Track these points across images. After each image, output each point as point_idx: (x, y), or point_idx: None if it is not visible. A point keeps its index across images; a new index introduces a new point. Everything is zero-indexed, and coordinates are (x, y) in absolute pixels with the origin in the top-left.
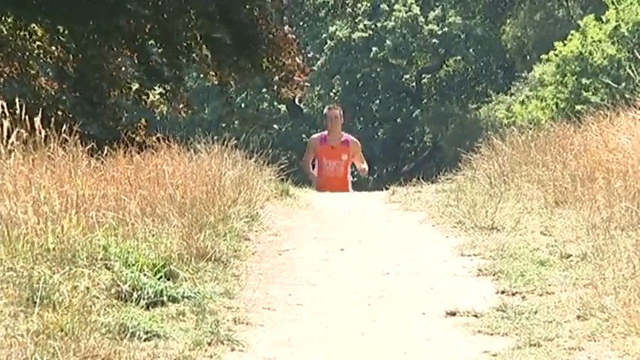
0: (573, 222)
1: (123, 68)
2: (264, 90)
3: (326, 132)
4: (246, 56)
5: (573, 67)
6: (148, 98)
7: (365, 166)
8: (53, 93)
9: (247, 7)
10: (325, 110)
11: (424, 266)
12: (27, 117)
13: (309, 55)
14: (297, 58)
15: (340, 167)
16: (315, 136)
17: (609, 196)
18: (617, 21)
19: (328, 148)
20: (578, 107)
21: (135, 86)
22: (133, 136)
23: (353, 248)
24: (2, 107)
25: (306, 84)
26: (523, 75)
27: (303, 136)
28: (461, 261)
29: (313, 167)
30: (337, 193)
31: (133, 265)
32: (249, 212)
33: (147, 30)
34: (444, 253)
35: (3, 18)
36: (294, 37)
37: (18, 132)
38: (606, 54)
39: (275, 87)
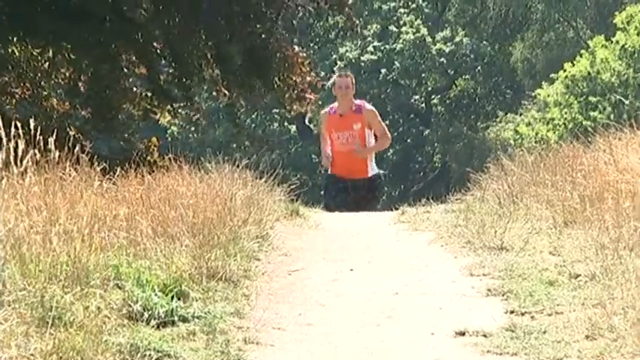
0: (582, 242)
1: (134, 88)
2: (274, 110)
3: (336, 103)
4: (257, 75)
5: (581, 87)
6: (159, 116)
7: (387, 137)
8: (64, 113)
9: (258, 27)
10: (334, 77)
11: (433, 286)
12: (40, 137)
13: (319, 77)
14: (308, 76)
15: (353, 139)
16: (324, 110)
17: (618, 217)
18: (625, 42)
19: (337, 118)
20: (585, 123)
21: (146, 104)
22: (145, 155)
23: (362, 268)
24: (17, 128)
25: (318, 101)
26: (532, 95)
27: (313, 156)
28: (470, 281)
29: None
30: (346, 214)
31: (145, 284)
32: (260, 232)
33: (158, 49)
34: (452, 273)
35: (14, 40)
36: (304, 54)
37: (32, 153)
38: (615, 71)
39: (286, 104)
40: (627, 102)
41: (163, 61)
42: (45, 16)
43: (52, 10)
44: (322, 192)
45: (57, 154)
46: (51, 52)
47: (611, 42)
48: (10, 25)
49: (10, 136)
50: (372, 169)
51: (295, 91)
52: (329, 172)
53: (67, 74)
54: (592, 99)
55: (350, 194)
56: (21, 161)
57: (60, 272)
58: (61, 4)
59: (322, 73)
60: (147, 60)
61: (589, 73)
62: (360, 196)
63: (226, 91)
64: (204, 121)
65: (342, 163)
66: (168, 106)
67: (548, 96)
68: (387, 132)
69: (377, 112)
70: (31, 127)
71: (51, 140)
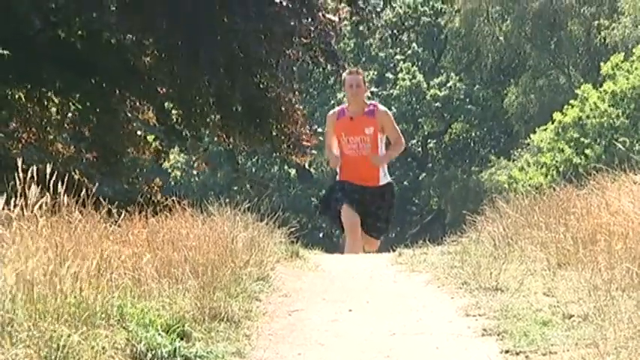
0: (575, 283)
1: (139, 132)
2: (274, 154)
3: (346, 104)
4: (256, 124)
5: (572, 132)
6: (166, 157)
7: (402, 142)
8: (70, 157)
9: (258, 76)
10: (344, 75)
11: (430, 326)
12: (47, 181)
13: (316, 125)
14: (304, 128)
15: (364, 144)
16: (332, 111)
17: (610, 258)
18: (614, 88)
19: (347, 121)
20: (576, 161)
21: (151, 146)
22: (149, 196)
23: (361, 309)
24: (25, 172)
25: (313, 151)
26: (526, 142)
27: (313, 199)
28: (466, 321)
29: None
30: (352, 258)
31: (148, 325)
32: (261, 274)
33: (163, 94)
34: (449, 313)
35: (21, 86)
36: (301, 107)
37: (42, 197)
38: (604, 113)
39: (283, 153)
40: (619, 145)
41: (169, 105)
42: (51, 66)
43: (59, 59)
44: (322, 199)
45: (64, 197)
46: (57, 99)
47: (600, 91)
48: (18, 74)
49: (19, 179)
50: (385, 177)
51: (291, 140)
52: (337, 178)
53: (73, 119)
54: (583, 140)
55: (360, 203)
56: (32, 205)
57: (67, 312)
58: (67, 54)
59: (320, 118)
60: (154, 104)
61: (579, 119)
62: (371, 208)
63: (226, 137)
64: (207, 165)
65: (351, 169)
66: (177, 147)
67: (542, 141)
68: (402, 137)
69: (391, 115)
70: (36, 171)
71: (59, 185)
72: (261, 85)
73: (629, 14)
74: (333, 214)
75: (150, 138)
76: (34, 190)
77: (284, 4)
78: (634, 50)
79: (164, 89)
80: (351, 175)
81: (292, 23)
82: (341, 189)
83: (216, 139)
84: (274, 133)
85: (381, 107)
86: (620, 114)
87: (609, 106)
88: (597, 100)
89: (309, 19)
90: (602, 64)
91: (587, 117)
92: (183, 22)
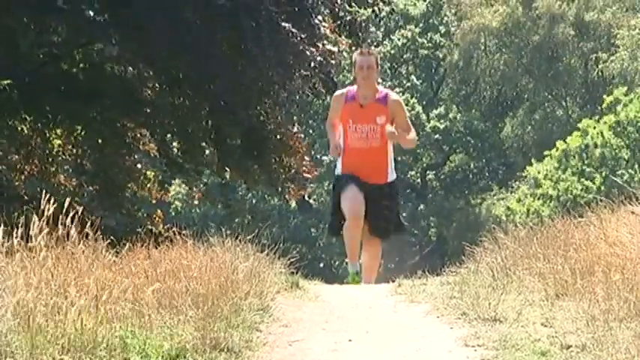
0: (573, 314)
1: (139, 165)
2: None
3: (355, 87)
4: (254, 158)
5: (574, 162)
6: (166, 190)
7: (412, 135)
8: (71, 189)
9: (258, 107)
10: (355, 55)
11: (429, 357)
12: (50, 213)
13: (318, 156)
14: (304, 158)
15: (374, 134)
16: (340, 91)
17: (608, 289)
18: (615, 120)
19: (356, 107)
20: (576, 192)
21: (151, 180)
22: (150, 228)
23: (361, 339)
24: (29, 204)
25: (310, 185)
26: (523, 174)
27: (312, 229)
28: (465, 351)
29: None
30: (345, 288)
31: (150, 355)
32: (261, 304)
33: (164, 124)
34: (448, 343)
35: (24, 118)
36: (301, 136)
37: (46, 230)
38: (608, 143)
39: (280, 188)
40: (617, 177)
41: (170, 137)
42: (54, 98)
43: (62, 91)
44: (332, 193)
45: (67, 229)
46: (60, 131)
47: (602, 122)
48: (21, 106)
49: (20, 211)
50: (392, 173)
51: (291, 172)
52: (338, 172)
53: (75, 151)
54: (586, 169)
55: (365, 198)
56: (35, 236)
57: (68, 343)
58: (69, 86)
59: (320, 149)
60: (154, 136)
61: (585, 146)
62: (377, 207)
63: (223, 171)
64: (202, 196)
65: (356, 162)
66: (177, 180)
67: (539, 172)
68: (412, 128)
69: (404, 104)
70: (42, 203)
71: (61, 216)
72: (261, 117)
73: (626, 48)
74: (336, 223)
75: (150, 174)
76: (36, 222)
77: (292, 31)
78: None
79: (165, 121)
80: (356, 170)
81: (301, 49)
82: (346, 178)
83: (215, 171)
84: (274, 166)
85: (394, 95)
86: (624, 145)
87: (614, 135)
88: (604, 128)
89: (313, 48)
90: (605, 96)
91: (588, 146)
92: (184, 54)
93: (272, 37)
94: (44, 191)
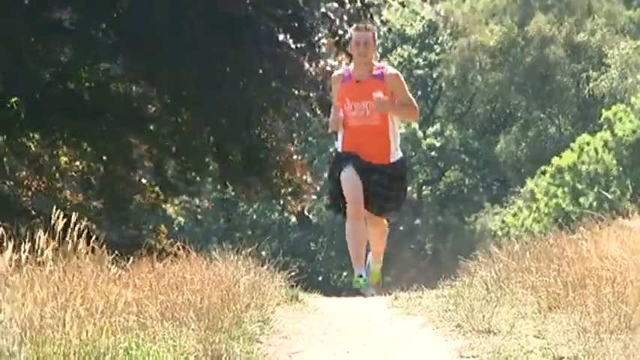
0: (565, 326)
1: (143, 180)
2: (274, 201)
3: (352, 65)
4: (256, 174)
5: (568, 178)
6: (166, 206)
7: (414, 107)
8: (78, 204)
9: (259, 128)
10: (351, 31)
11: None
12: (56, 227)
13: (315, 172)
14: (304, 175)
15: (372, 112)
16: (338, 71)
17: (599, 302)
18: (611, 137)
19: (352, 84)
20: (569, 209)
21: (156, 195)
22: (154, 243)
23: (358, 351)
24: (36, 219)
25: (312, 197)
26: (517, 190)
27: (312, 244)
28: None
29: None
30: (343, 299)
31: None
32: (261, 316)
33: (166, 144)
34: (443, 355)
35: (32, 136)
36: (299, 157)
37: (53, 244)
38: (600, 160)
39: (282, 202)
40: (610, 195)
41: (170, 156)
42: (61, 116)
43: (68, 110)
44: (329, 174)
45: (73, 243)
46: (66, 148)
47: (597, 138)
48: (29, 124)
49: (28, 225)
50: (396, 152)
51: (291, 188)
52: (338, 148)
53: (81, 167)
54: (579, 186)
55: (366, 179)
56: (41, 250)
57: (73, 354)
58: (76, 105)
59: (319, 165)
60: (155, 154)
61: (575, 164)
62: (379, 187)
63: (226, 186)
64: (205, 213)
65: (356, 142)
66: (175, 200)
67: (537, 185)
68: (415, 102)
69: (402, 78)
70: (49, 217)
71: (67, 230)
72: (261, 136)
73: (616, 67)
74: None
75: (154, 187)
76: (42, 236)
77: (292, 46)
78: (632, 100)
79: (166, 141)
80: (356, 150)
81: (300, 63)
82: (346, 157)
83: (218, 187)
84: (274, 181)
85: (391, 69)
86: (615, 162)
87: (608, 152)
88: (597, 144)
89: (312, 64)
90: (603, 110)
91: (583, 163)
92: (186, 72)
93: (272, 51)
94: (52, 206)
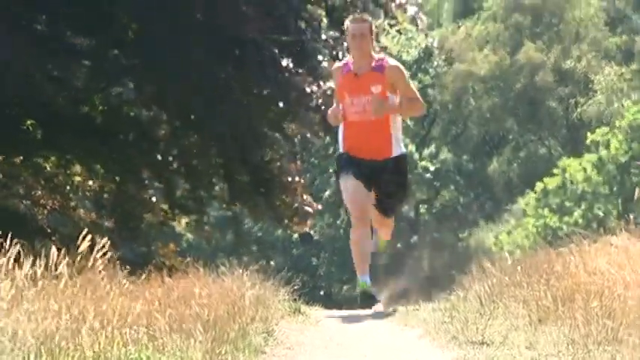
0: (555, 338)
1: (153, 198)
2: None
3: (351, 57)
4: (261, 194)
5: (555, 199)
6: (176, 224)
7: (420, 101)
8: (91, 222)
9: (263, 149)
10: (347, 22)
11: None
12: (71, 245)
13: (317, 194)
14: (304, 196)
15: (371, 107)
16: (338, 64)
17: (587, 315)
18: (597, 158)
19: (351, 78)
20: (556, 226)
21: (165, 214)
22: (164, 260)
23: None
24: (51, 236)
25: (311, 220)
26: (508, 207)
27: (314, 259)
28: None
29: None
30: (344, 312)
31: None
32: (266, 328)
33: (174, 165)
34: None
35: (47, 157)
36: (301, 178)
37: (67, 260)
38: (587, 178)
39: (285, 221)
40: (598, 211)
41: (179, 176)
42: (75, 138)
43: (81, 132)
44: (335, 173)
45: (87, 259)
46: (80, 167)
47: (582, 158)
48: (44, 144)
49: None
50: (399, 147)
51: (292, 210)
52: (340, 149)
53: (94, 187)
54: (567, 204)
55: (369, 179)
56: (56, 265)
57: None
58: (89, 128)
59: (321, 186)
60: (164, 176)
61: (562, 184)
62: (381, 185)
63: (233, 206)
64: (211, 232)
65: (357, 138)
66: (184, 219)
67: (527, 205)
68: (418, 95)
69: (404, 70)
70: (60, 234)
71: (81, 247)
72: (265, 157)
73: (602, 92)
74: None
75: (164, 207)
76: (55, 252)
77: (293, 70)
78: (617, 124)
79: (177, 160)
80: (357, 147)
81: (303, 86)
82: (347, 158)
83: (224, 206)
84: (278, 203)
85: (392, 61)
86: (602, 181)
87: (597, 172)
88: (586, 164)
89: (314, 87)
90: (589, 133)
91: (571, 182)
92: (194, 96)
93: (275, 74)
94: (66, 224)
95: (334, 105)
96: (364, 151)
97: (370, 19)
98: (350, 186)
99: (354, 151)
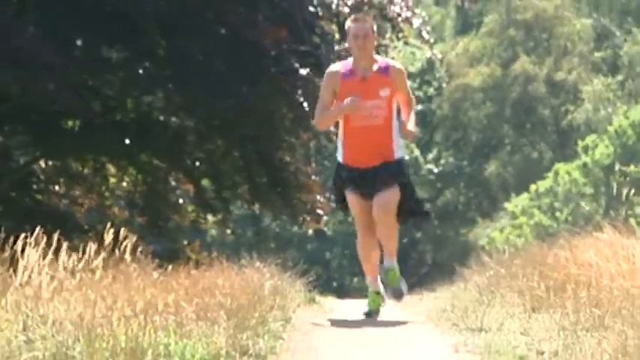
0: (547, 324)
1: (181, 200)
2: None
3: (350, 60)
4: (278, 194)
5: (546, 200)
6: (203, 223)
7: (414, 102)
8: (124, 219)
9: (280, 152)
10: (348, 22)
11: (425, 359)
12: (106, 240)
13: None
14: (319, 196)
15: (379, 110)
16: (334, 67)
17: (576, 304)
18: (585, 163)
19: (356, 81)
20: (547, 223)
21: (190, 213)
22: (190, 254)
23: (368, 344)
24: (88, 232)
25: (325, 217)
26: (504, 206)
27: (327, 253)
28: (456, 357)
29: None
30: (354, 301)
31: (189, 359)
32: (284, 316)
33: (201, 169)
34: (441, 349)
35: (84, 160)
36: (317, 178)
37: (103, 254)
38: (574, 181)
39: (301, 219)
40: (586, 208)
41: (207, 177)
42: (109, 143)
43: (115, 138)
44: (332, 189)
45: (121, 254)
46: (114, 170)
47: (572, 165)
48: (81, 147)
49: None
50: (400, 149)
51: (307, 208)
52: (340, 159)
53: (127, 188)
54: (556, 204)
55: (371, 186)
56: (92, 259)
57: (120, 350)
58: (122, 131)
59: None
60: (192, 179)
61: (552, 187)
62: (380, 176)
63: (253, 204)
64: (234, 229)
65: (359, 144)
66: (211, 217)
67: (516, 206)
68: (413, 96)
69: (405, 74)
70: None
71: (116, 243)
72: (283, 160)
73: (589, 101)
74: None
75: (189, 208)
76: (92, 247)
77: (310, 79)
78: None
79: (204, 162)
80: (360, 155)
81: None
82: (346, 178)
83: (245, 205)
84: (294, 202)
85: (396, 63)
86: (587, 182)
87: (584, 175)
88: (571, 169)
89: None
90: (579, 140)
91: (559, 185)
92: (219, 104)
93: (293, 83)
94: (102, 221)
95: (321, 109)
96: (367, 157)
97: (371, 18)
98: (355, 204)
99: (355, 161)
